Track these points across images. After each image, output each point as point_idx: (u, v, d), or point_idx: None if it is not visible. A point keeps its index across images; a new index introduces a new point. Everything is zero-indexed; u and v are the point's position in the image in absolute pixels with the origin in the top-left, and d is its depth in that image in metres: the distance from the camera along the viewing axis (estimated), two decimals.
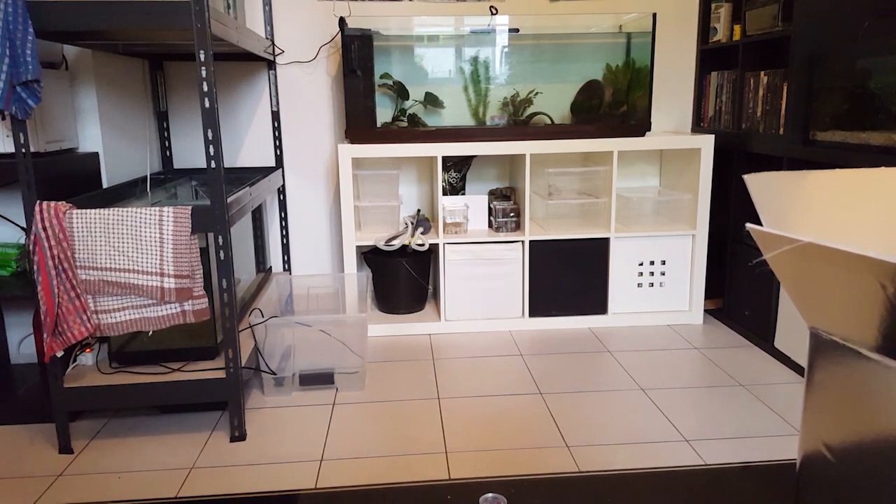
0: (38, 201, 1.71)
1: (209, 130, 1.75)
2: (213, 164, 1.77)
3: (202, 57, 1.70)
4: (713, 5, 2.92)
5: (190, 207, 1.77)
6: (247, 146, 2.99)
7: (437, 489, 1.67)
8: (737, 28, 2.77)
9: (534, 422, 2.01)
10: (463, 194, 2.96)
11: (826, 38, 2.21)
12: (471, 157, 2.98)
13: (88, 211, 1.74)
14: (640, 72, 2.77)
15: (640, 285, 2.85)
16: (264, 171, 2.81)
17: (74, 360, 2.01)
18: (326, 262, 3.14)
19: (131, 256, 1.76)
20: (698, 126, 3.13)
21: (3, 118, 1.93)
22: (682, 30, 3.08)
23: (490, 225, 2.89)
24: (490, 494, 1.63)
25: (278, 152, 2.97)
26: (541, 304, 2.82)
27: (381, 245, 2.71)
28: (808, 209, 1.00)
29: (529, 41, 2.76)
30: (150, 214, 1.74)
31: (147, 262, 1.76)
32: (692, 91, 3.15)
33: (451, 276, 2.76)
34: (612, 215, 2.76)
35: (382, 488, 1.69)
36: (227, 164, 3.00)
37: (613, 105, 2.82)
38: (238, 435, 1.94)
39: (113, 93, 2.43)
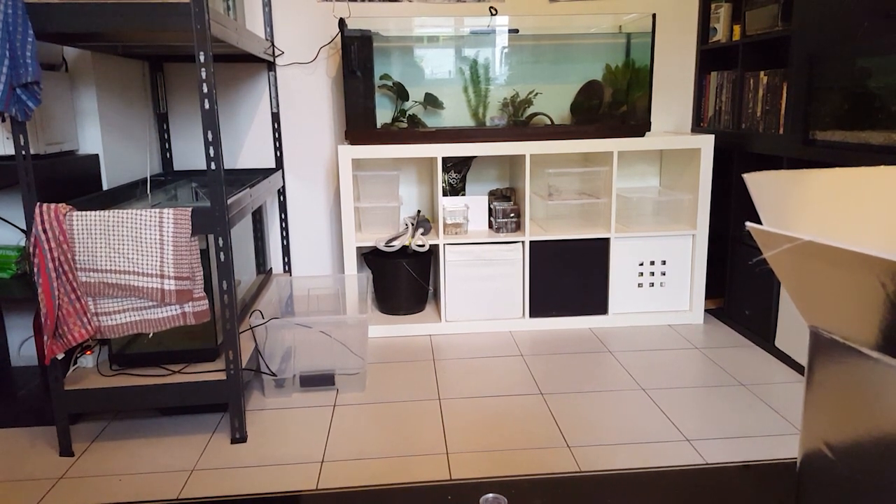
0: (38, 203, 1.71)
1: (209, 132, 1.75)
2: (213, 166, 1.77)
3: (202, 58, 1.70)
4: (713, 5, 2.92)
5: (190, 209, 1.77)
6: (247, 147, 2.99)
7: (438, 489, 1.67)
8: (736, 28, 2.77)
9: (534, 422, 2.01)
10: (463, 195, 2.96)
11: (825, 38, 2.21)
12: (471, 158, 2.98)
13: (88, 213, 1.74)
14: (639, 72, 2.77)
15: (640, 285, 2.85)
16: (264, 173, 2.81)
17: (75, 363, 2.01)
18: (327, 264, 3.14)
19: (131, 258, 1.76)
20: (698, 126, 3.13)
21: (3, 120, 1.93)
22: (682, 30, 3.08)
23: (490, 226, 2.89)
24: (490, 495, 1.63)
25: (278, 154, 2.97)
26: (541, 304, 2.81)
27: (381, 246, 2.71)
28: (807, 208, 1.00)
29: (529, 42, 2.76)
30: (150, 216, 1.74)
31: (147, 264, 1.76)
32: (692, 91, 3.15)
33: (452, 277, 2.76)
34: (613, 215, 2.76)
35: (383, 489, 1.68)
36: (227, 165, 3.00)
37: (613, 105, 2.82)
38: (239, 437, 1.94)
39: (113, 94, 2.43)
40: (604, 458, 1.80)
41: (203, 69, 1.71)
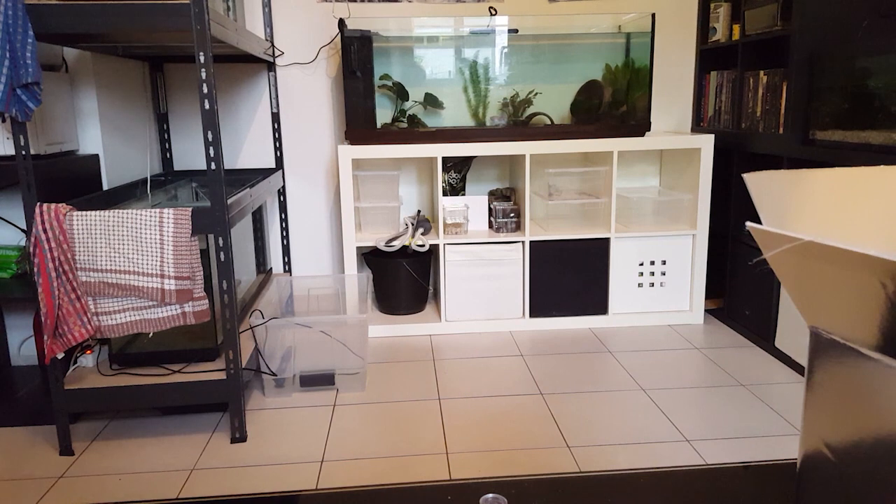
0: (38, 203, 1.72)
1: (209, 132, 1.75)
2: (213, 166, 1.77)
3: (202, 59, 1.70)
4: (712, 5, 2.92)
5: (190, 209, 1.77)
6: (247, 148, 2.99)
7: (438, 489, 1.67)
8: (736, 28, 2.77)
9: (534, 422, 2.01)
10: (463, 195, 2.96)
11: (825, 37, 2.21)
12: (471, 158, 2.98)
13: (89, 213, 1.74)
14: (639, 72, 2.77)
15: (640, 285, 2.85)
16: (264, 173, 2.81)
17: (75, 362, 2.02)
18: (327, 263, 3.14)
19: (131, 258, 1.76)
20: (698, 126, 3.13)
21: (4, 120, 1.93)
22: (682, 30, 3.08)
23: (490, 225, 2.89)
24: (490, 495, 1.63)
25: (278, 154, 2.97)
26: (541, 304, 2.81)
27: (381, 246, 2.71)
28: (807, 208, 1.00)
29: (529, 41, 2.76)
30: (151, 216, 1.74)
31: (147, 264, 1.76)
32: (692, 91, 3.15)
33: (452, 277, 2.76)
34: (613, 215, 2.76)
35: (383, 489, 1.68)
36: (228, 165, 3.00)
37: (613, 105, 2.82)
38: (239, 436, 1.94)
39: (113, 95, 2.43)
40: (604, 459, 1.80)
41: (203, 69, 1.71)
